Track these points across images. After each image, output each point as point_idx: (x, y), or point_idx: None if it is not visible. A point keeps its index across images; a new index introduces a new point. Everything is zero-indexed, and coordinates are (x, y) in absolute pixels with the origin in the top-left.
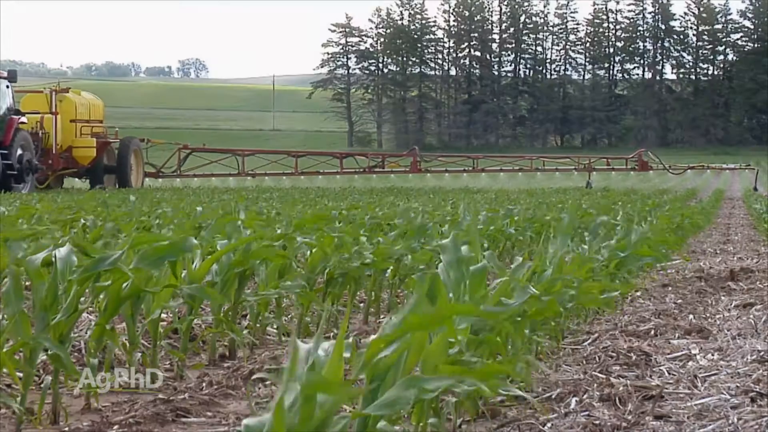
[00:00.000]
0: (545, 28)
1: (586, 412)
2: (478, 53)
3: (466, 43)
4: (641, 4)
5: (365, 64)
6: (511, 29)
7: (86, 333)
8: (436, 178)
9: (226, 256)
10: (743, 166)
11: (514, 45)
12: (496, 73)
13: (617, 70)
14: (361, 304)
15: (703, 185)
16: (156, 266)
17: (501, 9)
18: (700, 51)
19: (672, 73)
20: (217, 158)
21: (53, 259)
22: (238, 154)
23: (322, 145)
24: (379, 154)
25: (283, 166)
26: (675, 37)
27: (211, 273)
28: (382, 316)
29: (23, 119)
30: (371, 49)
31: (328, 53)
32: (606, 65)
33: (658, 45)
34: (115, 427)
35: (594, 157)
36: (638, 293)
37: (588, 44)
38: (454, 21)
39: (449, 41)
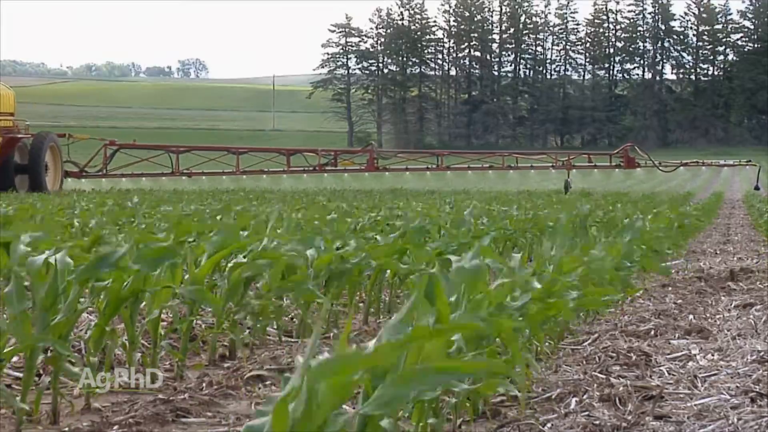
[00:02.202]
0: (545, 28)
1: (586, 413)
2: (478, 53)
3: (466, 43)
4: (641, 5)
5: (365, 65)
6: (511, 29)
7: (86, 333)
8: (395, 177)
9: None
10: (743, 162)
11: (514, 45)
12: (496, 73)
13: (617, 70)
14: (361, 304)
15: (702, 185)
16: (153, 267)
17: (501, 9)
18: (700, 51)
19: (672, 73)
20: (148, 156)
21: (54, 260)
22: (172, 151)
23: (323, 146)
24: (331, 151)
25: (223, 164)
26: (675, 37)
27: (215, 275)
28: (382, 317)
29: None
30: (371, 50)
31: (328, 53)
32: (606, 65)
33: (658, 45)
34: (115, 427)
35: (573, 154)
36: (638, 293)
37: (588, 44)
38: (454, 21)
39: (449, 41)
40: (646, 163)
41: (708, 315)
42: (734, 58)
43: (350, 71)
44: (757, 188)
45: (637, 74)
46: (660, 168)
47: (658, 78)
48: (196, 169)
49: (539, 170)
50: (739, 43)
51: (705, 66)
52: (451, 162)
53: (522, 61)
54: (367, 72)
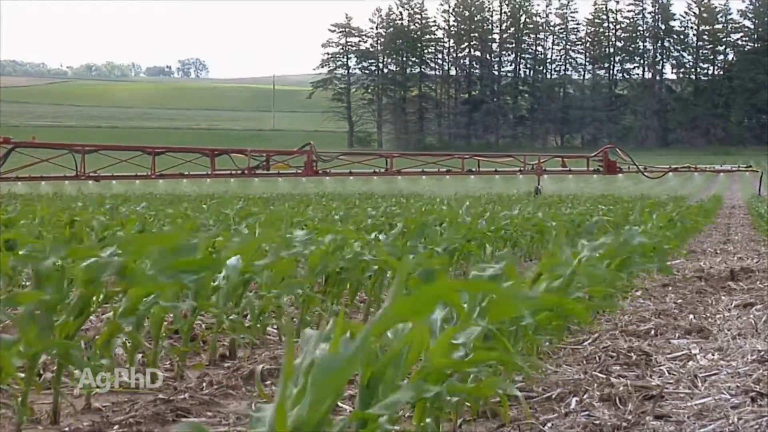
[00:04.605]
0: (545, 28)
1: (586, 412)
2: (478, 53)
3: (466, 43)
4: (641, 4)
5: (365, 64)
6: (512, 29)
7: (86, 332)
8: (337, 182)
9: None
10: (743, 167)
11: (514, 45)
12: (496, 73)
13: (617, 70)
14: (361, 304)
15: (700, 185)
16: (178, 280)
17: (501, 9)
18: (700, 51)
19: (672, 73)
20: (48, 156)
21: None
22: (77, 150)
23: (323, 145)
24: (263, 152)
25: (136, 166)
26: (675, 37)
27: (217, 278)
28: None
29: None
30: (371, 49)
31: (328, 53)
32: (606, 65)
33: (658, 45)
34: (115, 427)
35: (545, 156)
36: (638, 293)
37: (588, 44)
38: (454, 21)
39: (449, 41)
40: (629, 168)
41: (708, 315)
42: (734, 57)
43: (350, 71)
44: (759, 193)
45: (637, 74)
46: (645, 174)
47: (658, 78)
48: (104, 171)
49: (505, 175)
50: (739, 42)
51: (705, 66)
52: (403, 165)
53: (522, 60)
54: (367, 72)
